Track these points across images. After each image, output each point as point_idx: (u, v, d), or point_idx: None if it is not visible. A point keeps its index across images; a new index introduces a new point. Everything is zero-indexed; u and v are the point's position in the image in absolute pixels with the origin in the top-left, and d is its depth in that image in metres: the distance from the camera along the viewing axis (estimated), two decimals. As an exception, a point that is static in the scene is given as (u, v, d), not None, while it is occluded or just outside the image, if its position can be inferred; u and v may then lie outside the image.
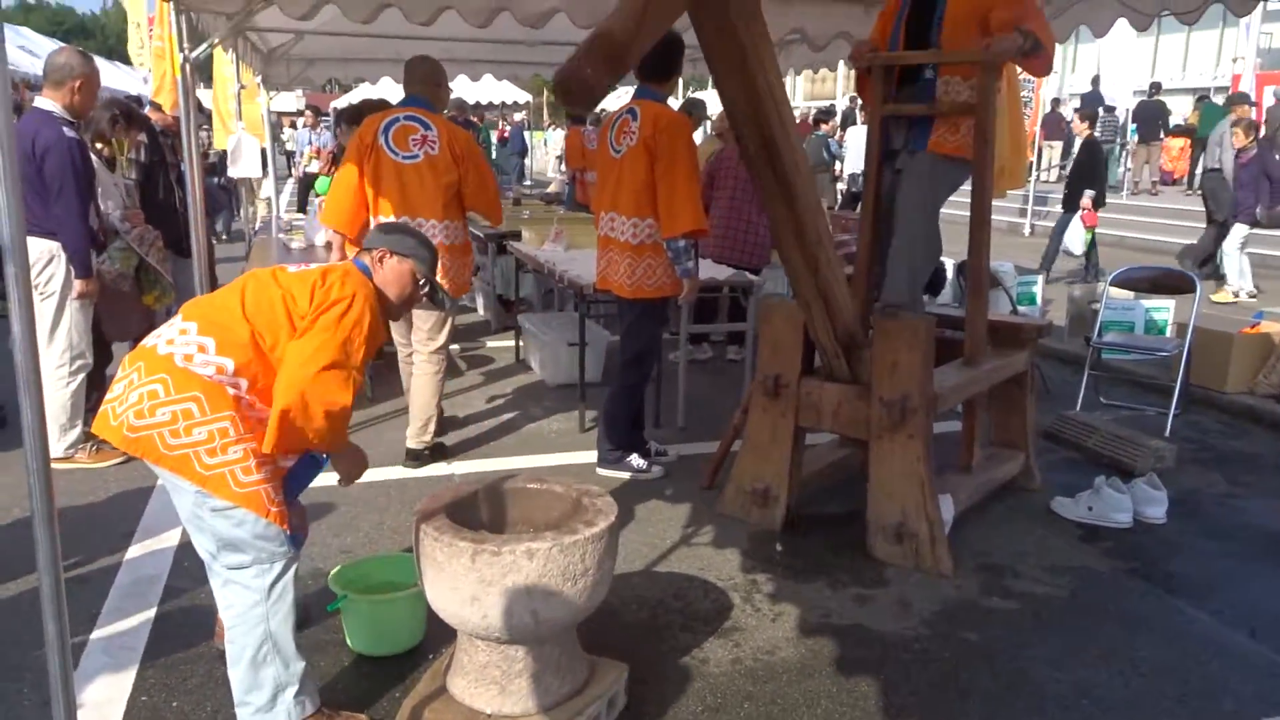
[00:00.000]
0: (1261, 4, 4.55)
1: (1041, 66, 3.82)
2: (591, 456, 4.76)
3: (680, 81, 6.52)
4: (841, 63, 6.79)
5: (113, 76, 16.70)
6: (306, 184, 13.15)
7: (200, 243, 4.53)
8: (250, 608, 2.34)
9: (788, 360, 3.88)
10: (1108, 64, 17.06)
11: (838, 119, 16.47)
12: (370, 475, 4.46)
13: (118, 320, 4.97)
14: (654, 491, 4.40)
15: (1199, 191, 11.18)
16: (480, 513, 2.68)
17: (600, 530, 2.39)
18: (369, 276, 2.44)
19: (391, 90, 9.68)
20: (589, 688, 2.56)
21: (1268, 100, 15.88)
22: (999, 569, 3.68)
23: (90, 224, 4.39)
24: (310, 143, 15.66)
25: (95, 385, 4.71)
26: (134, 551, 3.66)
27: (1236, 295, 9.28)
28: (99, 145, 5.04)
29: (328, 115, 20.40)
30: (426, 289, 2.55)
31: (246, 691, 2.39)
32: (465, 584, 2.30)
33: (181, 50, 4.37)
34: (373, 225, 4.27)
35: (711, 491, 4.38)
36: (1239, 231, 9.30)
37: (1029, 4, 3.79)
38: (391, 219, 4.24)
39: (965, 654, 3.05)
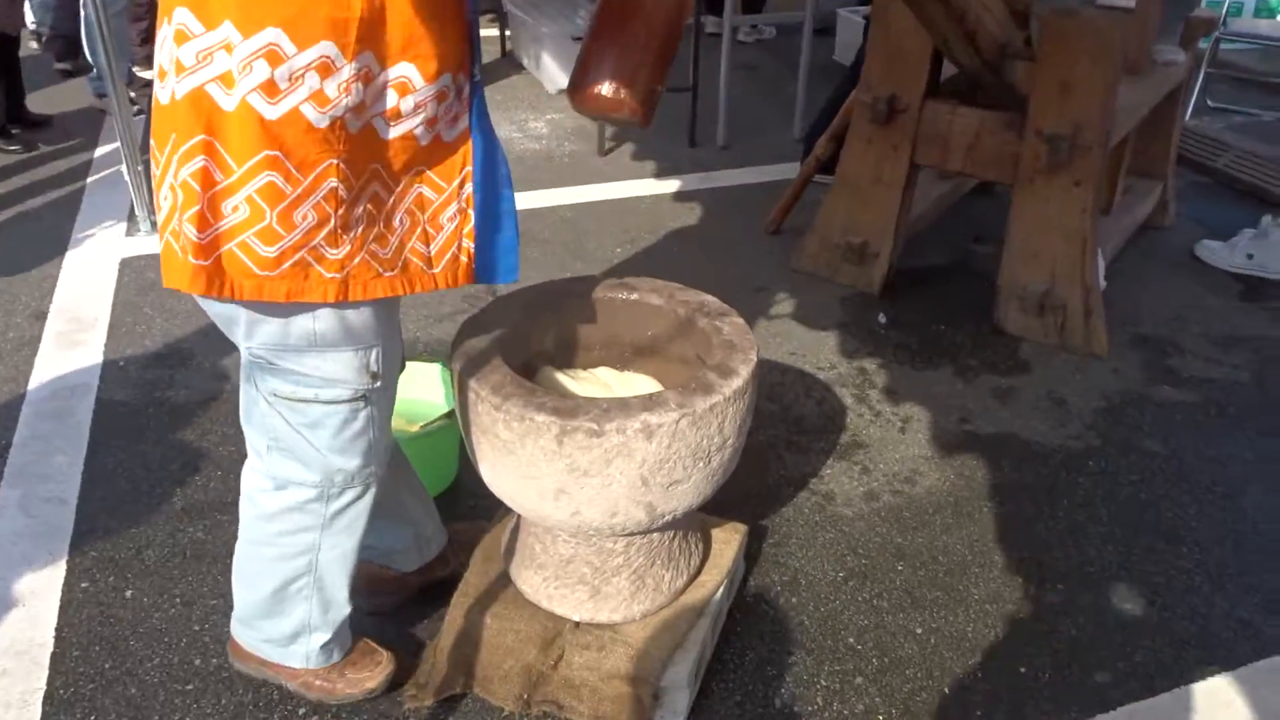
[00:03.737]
0: None
1: None
2: (623, 189, 3.84)
3: None
4: None
5: None
6: None
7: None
8: (293, 532, 1.55)
9: (909, 76, 2.88)
10: None
11: None
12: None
13: None
14: (704, 237, 3.53)
15: None
16: (542, 339, 1.83)
17: (743, 382, 1.57)
18: None
19: None
20: (706, 570, 1.86)
21: None
22: (1158, 344, 2.95)
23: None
24: None
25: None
26: (49, 347, 2.78)
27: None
28: None
29: None
30: None
31: (257, 614, 1.65)
32: (548, 474, 1.51)
33: None
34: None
35: (777, 239, 3.51)
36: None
37: None
38: None
39: (1155, 474, 2.38)
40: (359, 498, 1.55)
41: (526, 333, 1.78)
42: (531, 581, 1.78)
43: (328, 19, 1.15)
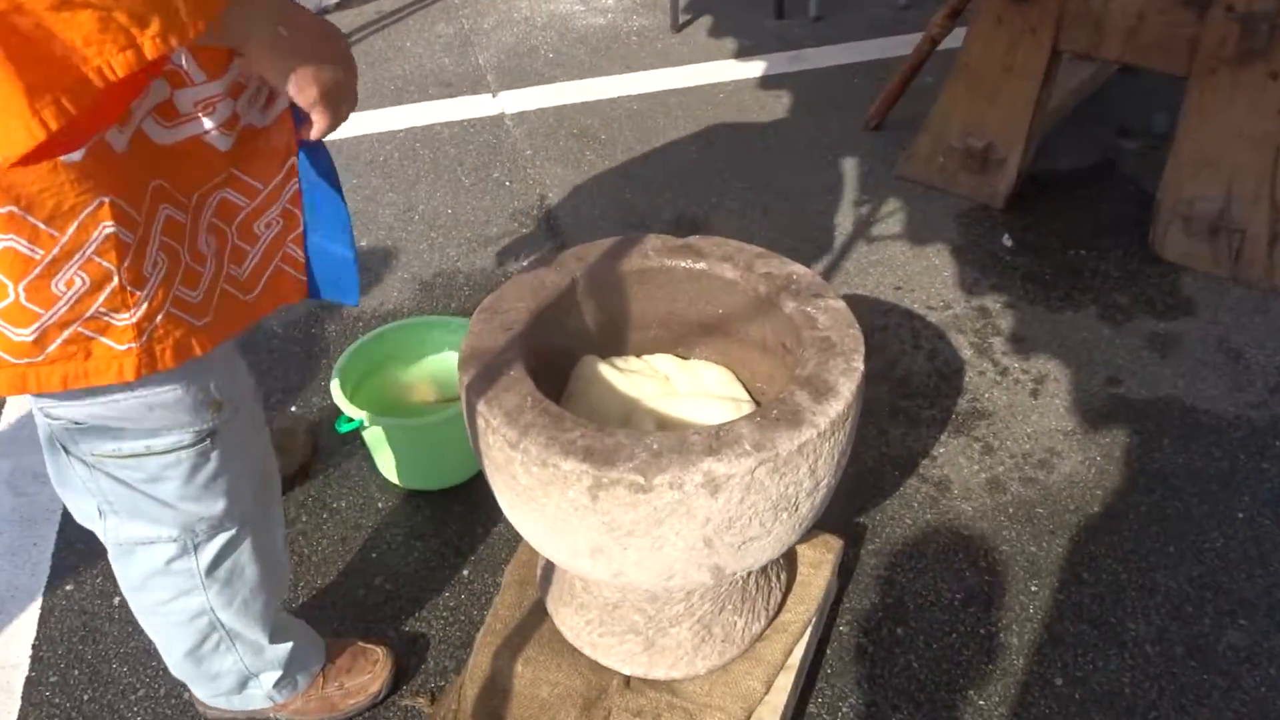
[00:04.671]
0: None
1: None
2: (697, 74, 3.32)
3: None
4: None
5: None
6: None
7: None
8: (171, 599, 1.23)
9: (1059, -67, 2.27)
10: None
11: None
12: (369, 121, 3.06)
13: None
14: (792, 134, 3.01)
15: None
16: (584, 317, 1.42)
17: (845, 406, 1.15)
18: None
19: None
20: (790, 606, 1.49)
21: None
22: (1359, 274, 2.38)
23: None
24: None
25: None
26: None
27: None
28: None
29: None
30: None
31: (188, 678, 1.38)
32: (580, 530, 1.13)
33: None
34: None
35: (879, 136, 2.98)
36: None
37: None
38: None
39: (1360, 458, 1.90)
40: (233, 541, 1.20)
41: (564, 309, 1.37)
42: (572, 623, 1.44)
43: None
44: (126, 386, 0.98)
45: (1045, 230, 2.54)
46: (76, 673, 1.59)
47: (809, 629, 1.47)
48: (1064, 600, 1.64)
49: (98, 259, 0.87)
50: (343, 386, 1.80)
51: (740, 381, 1.44)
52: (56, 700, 1.55)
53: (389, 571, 1.73)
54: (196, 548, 1.17)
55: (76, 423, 1.01)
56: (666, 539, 1.11)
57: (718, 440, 1.09)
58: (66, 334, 0.89)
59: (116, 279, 0.89)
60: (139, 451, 1.05)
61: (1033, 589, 1.66)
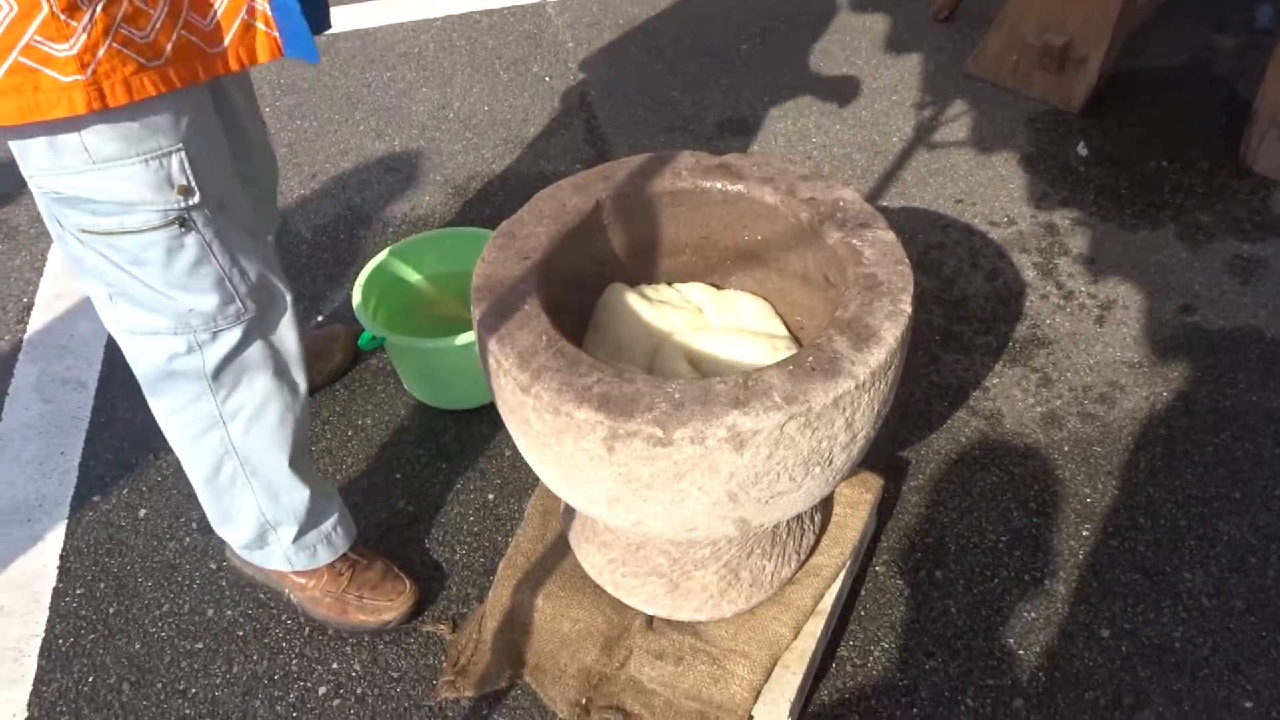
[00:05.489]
0: None
1: None
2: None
3: None
4: None
5: None
6: None
7: None
8: (183, 406, 1.25)
9: None
10: None
11: None
12: (404, 8, 2.91)
13: None
14: (853, 27, 2.80)
15: None
16: (610, 240, 1.32)
17: (888, 354, 1.04)
18: None
19: None
20: (823, 548, 1.42)
21: None
22: None
23: None
24: None
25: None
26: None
27: None
28: None
29: None
30: None
31: (217, 521, 1.41)
32: (595, 480, 1.06)
33: None
34: None
35: (948, 29, 2.76)
36: None
37: None
38: None
39: None
40: (241, 343, 1.20)
41: (589, 234, 1.27)
42: (595, 560, 1.39)
43: None
44: (89, 160, 0.99)
45: (1124, 139, 2.34)
46: (103, 585, 1.59)
47: (842, 573, 1.40)
48: (1117, 547, 1.55)
49: None
50: (366, 300, 1.74)
51: (779, 315, 1.34)
52: (83, 612, 1.55)
53: (413, 493, 1.69)
54: (201, 346, 1.17)
55: (57, 190, 1.03)
56: (688, 493, 1.04)
57: (745, 390, 1.00)
58: (8, 63, 0.90)
59: (47, 6, 0.88)
60: (112, 229, 1.06)
61: (1084, 533, 1.57)
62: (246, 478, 1.32)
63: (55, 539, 1.66)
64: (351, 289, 2.03)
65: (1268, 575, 1.50)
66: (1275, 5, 2.64)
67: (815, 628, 1.36)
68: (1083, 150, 2.31)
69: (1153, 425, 1.72)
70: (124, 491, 1.73)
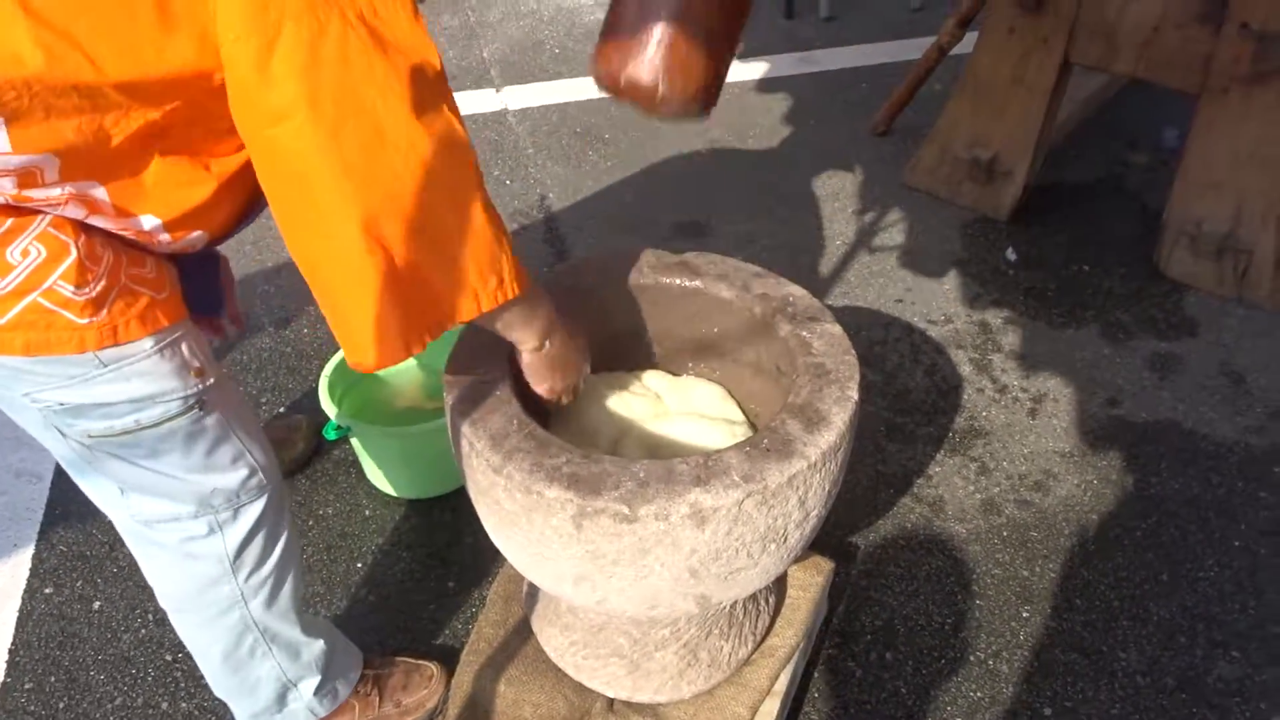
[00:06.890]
0: None
1: None
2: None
3: None
4: None
5: None
6: None
7: None
8: (201, 590, 1.20)
9: (1072, -56, 2.24)
10: None
11: None
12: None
13: None
14: (797, 138, 2.98)
15: None
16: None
17: (837, 436, 1.12)
18: None
19: None
20: (778, 629, 1.47)
21: None
22: (1365, 297, 2.35)
23: None
24: None
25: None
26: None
27: None
28: None
29: None
30: None
31: (228, 693, 1.34)
32: (564, 558, 1.11)
33: None
34: None
35: (885, 142, 2.95)
36: None
37: None
38: None
39: (1360, 488, 1.87)
40: (262, 516, 1.18)
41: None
42: (556, 643, 1.42)
43: None
44: (99, 365, 0.96)
45: (1049, 244, 2.51)
46: (53, 679, 1.57)
47: (796, 654, 1.45)
48: (1056, 627, 1.62)
49: (53, 231, 0.89)
50: (331, 391, 1.78)
51: (734, 399, 1.42)
52: (32, 708, 1.53)
53: (374, 582, 1.71)
54: (222, 526, 1.14)
55: (61, 403, 0.99)
56: (651, 569, 1.09)
57: (706, 470, 1.06)
58: (25, 303, 0.89)
59: (75, 253, 0.90)
60: (130, 428, 1.02)
61: (1024, 615, 1.64)
62: (267, 645, 1.28)
63: (4, 632, 1.64)
64: (316, 381, 2.07)
65: (1195, 654, 1.58)
66: (1180, 127, 2.88)
67: (772, 708, 1.39)
68: (1011, 255, 2.47)
69: (1084, 511, 1.81)
70: (77, 583, 1.72)
